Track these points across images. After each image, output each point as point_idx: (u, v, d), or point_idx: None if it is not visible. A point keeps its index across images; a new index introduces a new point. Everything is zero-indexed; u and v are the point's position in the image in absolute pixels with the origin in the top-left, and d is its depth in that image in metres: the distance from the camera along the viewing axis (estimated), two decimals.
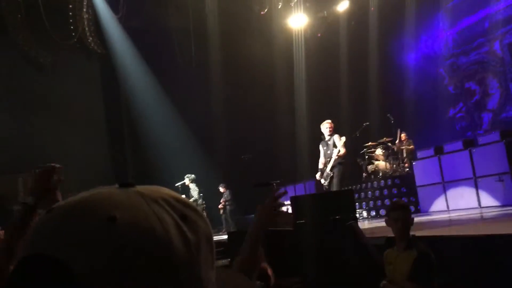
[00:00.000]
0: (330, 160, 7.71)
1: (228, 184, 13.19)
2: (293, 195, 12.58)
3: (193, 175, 12.10)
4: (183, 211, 0.56)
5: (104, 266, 0.49)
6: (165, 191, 0.59)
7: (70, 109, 12.69)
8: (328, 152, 7.80)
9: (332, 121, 8.03)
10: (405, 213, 3.29)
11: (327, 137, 7.96)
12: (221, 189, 13.23)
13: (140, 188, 0.57)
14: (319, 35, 16.40)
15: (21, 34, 11.99)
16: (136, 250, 0.50)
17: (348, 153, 8.22)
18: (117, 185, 0.58)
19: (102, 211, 0.52)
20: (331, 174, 7.61)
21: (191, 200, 11.71)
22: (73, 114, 12.71)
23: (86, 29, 12.62)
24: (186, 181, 12.08)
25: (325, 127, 7.94)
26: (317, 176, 7.96)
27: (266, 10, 14.99)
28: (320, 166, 7.98)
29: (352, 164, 10.79)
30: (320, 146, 8.10)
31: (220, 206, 13.10)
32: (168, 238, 0.52)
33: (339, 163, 7.66)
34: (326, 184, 7.75)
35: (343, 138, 7.80)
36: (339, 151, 7.64)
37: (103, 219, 0.51)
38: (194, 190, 12.01)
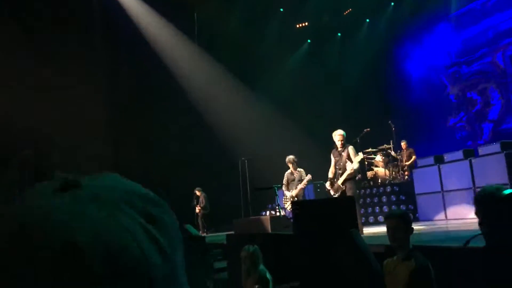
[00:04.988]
0: (341, 173, 7.42)
1: (203, 188, 12.94)
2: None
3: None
4: (149, 210, 0.46)
5: None
6: (124, 186, 0.48)
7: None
8: (341, 163, 7.47)
9: (342, 132, 7.62)
10: (398, 222, 3.22)
11: (339, 148, 7.60)
12: (197, 193, 12.96)
13: (91, 187, 0.45)
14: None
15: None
16: (108, 277, 0.40)
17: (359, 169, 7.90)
18: (56, 185, 0.45)
19: (54, 238, 0.40)
20: (343, 188, 7.34)
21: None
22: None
23: None
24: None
25: (337, 139, 7.55)
26: (327, 185, 7.68)
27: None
28: (330, 175, 7.66)
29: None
30: (332, 156, 7.75)
31: (197, 210, 12.91)
32: (143, 253, 0.42)
33: (352, 178, 7.38)
34: (336, 196, 7.42)
35: (360, 154, 7.50)
36: (357, 166, 7.33)
37: (57, 249, 0.39)
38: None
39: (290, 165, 8.72)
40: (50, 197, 0.44)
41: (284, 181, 8.76)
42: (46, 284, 0.38)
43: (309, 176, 8.42)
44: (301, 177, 8.56)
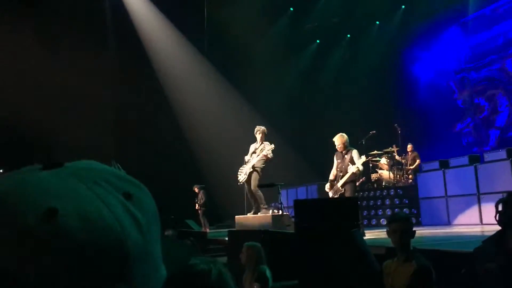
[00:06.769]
0: (342, 175, 7.34)
1: (204, 185, 12.84)
2: (295, 198, 12.64)
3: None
4: (127, 189, 0.49)
5: (51, 270, 0.41)
6: (102, 167, 0.51)
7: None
8: (343, 166, 7.39)
9: (344, 135, 7.51)
10: (406, 225, 3.26)
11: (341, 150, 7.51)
12: (195, 190, 12.79)
13: (72, 168, 0.48)
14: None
15: None
16: (87, 245, 0.43)
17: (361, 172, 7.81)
18: (40, 166, 0.48)
19: (36, 203, 0.43)
20: (342, 191, 7.26)
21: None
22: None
23: None
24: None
25: (338, 142, 7.45)
26: (326, 187, 7.60)
27: None
28: (331, 177, 7.58)
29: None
30: (335, 158, 7.66)
31: (197, 207, 12.75)
32: (120, 225, 0.45)
33: (352, 181, 7.30)
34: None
35: (363, 157, 7.40)
36: (357, 168, 7.20)
37: (40, 213, 0.42)
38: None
39: (259, 136, 8.30)
40: (32, 171, 0.47)
41: (249, 154, 8.42)
42: (26, 248, 0.41)
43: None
44: (264, 149, 8.08)
